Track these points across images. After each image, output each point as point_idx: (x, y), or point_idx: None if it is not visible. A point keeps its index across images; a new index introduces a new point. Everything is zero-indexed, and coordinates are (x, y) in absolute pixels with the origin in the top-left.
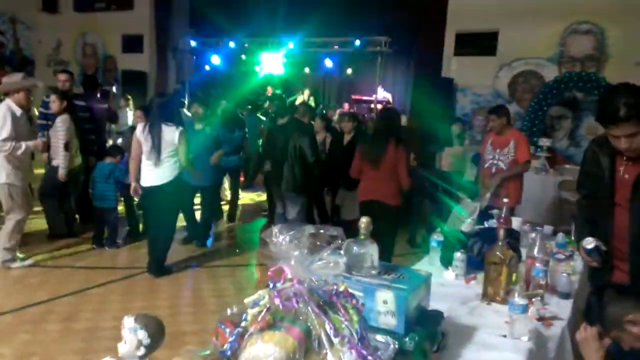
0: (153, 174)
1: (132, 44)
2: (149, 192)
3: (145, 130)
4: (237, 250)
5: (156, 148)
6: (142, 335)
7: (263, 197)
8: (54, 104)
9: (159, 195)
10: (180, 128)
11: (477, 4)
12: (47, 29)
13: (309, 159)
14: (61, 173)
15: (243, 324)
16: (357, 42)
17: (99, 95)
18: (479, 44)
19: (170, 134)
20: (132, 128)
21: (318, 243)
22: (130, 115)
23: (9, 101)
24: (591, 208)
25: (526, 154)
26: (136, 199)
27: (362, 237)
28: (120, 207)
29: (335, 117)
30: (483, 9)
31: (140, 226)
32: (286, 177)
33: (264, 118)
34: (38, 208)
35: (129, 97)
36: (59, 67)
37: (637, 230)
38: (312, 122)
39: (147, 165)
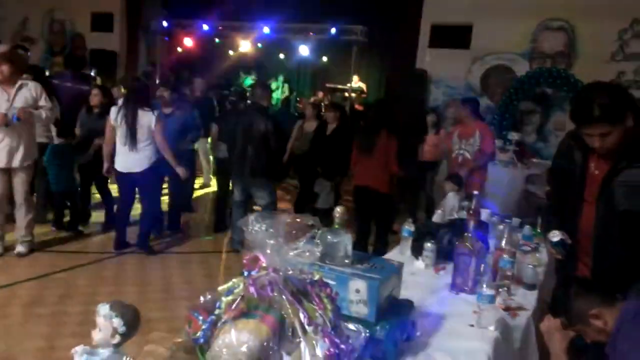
0: (129, 159)
1: (101, 22)
2: (126, 177)
3: (119, 114)
4: (207, 237)
5: (131, 133)
6: (118, 323)
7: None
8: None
9: (138, 180)
10: (157, 112)
11: None
12: (13, 4)
13: (273, 145)
14: None
15: (217, 311)
16: (333, 30)
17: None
18: (454, 37)
19: (147, 118)
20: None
21: (294, 232)
22: None
23: None
24: (560, 201)
25: (492, 146)
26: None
27: (337, 226)
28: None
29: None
30: (458, 3)
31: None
32: (252, 164)
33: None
34: None
35: (97, 77)
36: (24, 44)
37: (601, 227)
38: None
39: (122, 150)
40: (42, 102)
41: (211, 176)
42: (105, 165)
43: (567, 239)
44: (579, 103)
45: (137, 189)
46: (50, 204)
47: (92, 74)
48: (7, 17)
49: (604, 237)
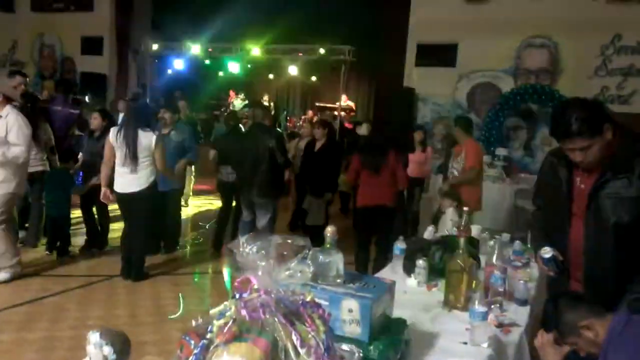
0: (129, 180)
1: (91, 45)
2: (125, 198)
3: (119, 135)
4: (199, 258)
5: (132, 154)
6: (108, 351)
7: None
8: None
9: (137, 201)
10: (157, 133)
11: (438, 17)
12: (3, 28)
13: (280, 162)
14: None
15: (208, 335)
16: (322, 50)
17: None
18: (440, 55)
19: (147, 139)
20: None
21: (285, 253)
22: None
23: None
24: (547, 219)
25: (472, 161)
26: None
27: (328, 246)
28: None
29: (301, 124)
30: (443, 22)
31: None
32: (258, 184)
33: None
34: None
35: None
36: (14, 68)
37: (591, 240)
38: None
39: (121, 171)
40: (12, 137)
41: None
42: (103, 190)
43: (558, 255)
44: (557, 118)
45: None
46: (44, 229)
47: (87, 99)
48: None
49: (595, 251)
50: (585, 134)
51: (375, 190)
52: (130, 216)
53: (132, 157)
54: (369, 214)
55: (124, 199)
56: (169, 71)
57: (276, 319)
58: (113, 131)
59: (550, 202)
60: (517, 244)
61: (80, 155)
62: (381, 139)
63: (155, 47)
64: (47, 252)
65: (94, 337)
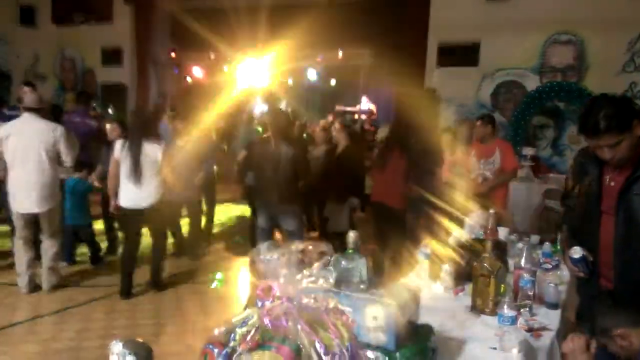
0: (134, 194)
1: (111, 57)
2: (131, 213)
3: (124, 148)
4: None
5: (136, 167)
6: None
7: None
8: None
9: (143, 218)
10: (163, 144)
11: (459, 16)
12: (25, 43)
13: (304, 169)
14: None
15: (231, 344)
16: (341, 54)
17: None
18: (461, 55)
19: (153, 151)
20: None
21: (307, 260)
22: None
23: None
24: (577, 218)
25: (514, 162)
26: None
27: (351, 251)
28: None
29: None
30: (464, 21)
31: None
32: (281, 190)
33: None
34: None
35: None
36: (36, 82)
37: (622, 236)
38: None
39: (127, 185)
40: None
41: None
42: (112, 203)
43: (588, 255)
44: (585, 116)
45: (144, 225)
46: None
47: (109, 111)
48: (20, 55)
49: (626, 249)
50: (614, 131)
51: (379, 188)
52: (136, 234)
53: (135, 169)
54: (375, 210)
55: (131, 215)
56: (188, 79)
57: (299, 327)
58: (119, 143)
59: (580, 201)
60: (547, 245)
61: (99, 167)
62: (390, 138)
63: (173, 55)
64: (66, 263)
65: (117, 347)
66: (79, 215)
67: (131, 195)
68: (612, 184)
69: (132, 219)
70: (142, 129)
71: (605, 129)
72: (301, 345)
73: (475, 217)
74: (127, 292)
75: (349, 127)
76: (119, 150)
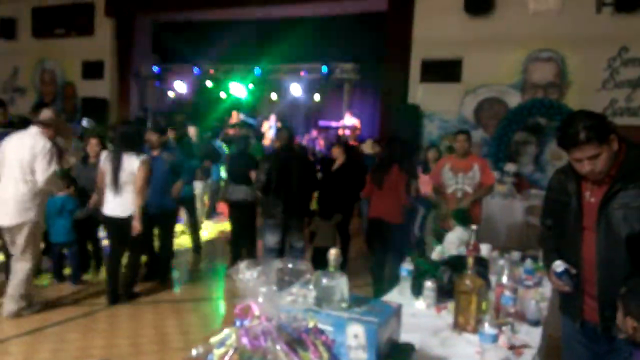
0: (114, 203)
1: (92, 70)
2: (111, 221)
3: (107, 158)
4: (201, 284)
5: (115, 177)
6: None
7: (224, 226)
8: None
9: (123, 226)
10: (142, 157)
11: (442, 32)
12: (4, 55)
13: (314, 184)
14: None
15: None
16: (324, 69)
17: None
18: (444, 71)
19: (131, 162)
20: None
21: (286, 278)
22: None
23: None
24: (558, 237)
25: (492, 177)
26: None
27: (332, 269)
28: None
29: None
30: (447, 38)
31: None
32: (292, 206)
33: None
34: None
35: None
36: (15, 95)
37: (604, 254)
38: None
39: (108, 194)
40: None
41: (203, 218)
42: (92, 199)
43: (571, 268)
44: (565, 127)
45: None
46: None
47: (85, 123)
48: None
49: (608, 264)
50: (594, 141)
51: (377, 204)
52: (123, 240)
53: (114, 180)
54: (371, 226)
55: (111, 222)
56: (171, 94)
57: (278, 347)
58: (104, 155)
59: (561, 218)
60: (528, 262)
61: (94, 195)
62: (385, 155)
63: (155, 69)
64: (54, 280)
65: None
66: (64, 232)
67: (111, 205)
68: (592, 199)
69: (113, 226)
70: (122, 141)
71: (586, 140)
72: None
73: (456, 232)
74: (113, 295)
75: (346, 143)
76: (104, 161)
